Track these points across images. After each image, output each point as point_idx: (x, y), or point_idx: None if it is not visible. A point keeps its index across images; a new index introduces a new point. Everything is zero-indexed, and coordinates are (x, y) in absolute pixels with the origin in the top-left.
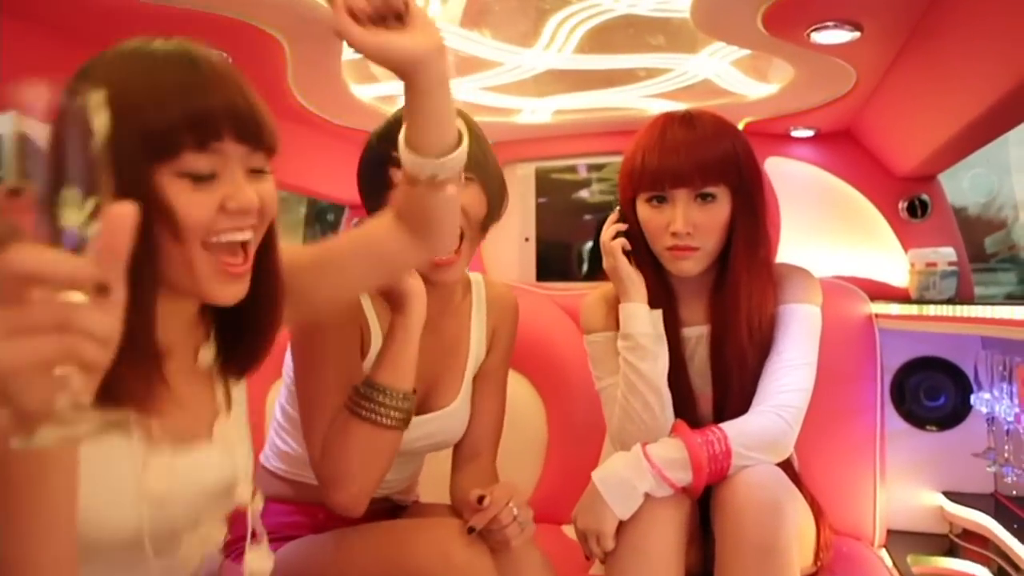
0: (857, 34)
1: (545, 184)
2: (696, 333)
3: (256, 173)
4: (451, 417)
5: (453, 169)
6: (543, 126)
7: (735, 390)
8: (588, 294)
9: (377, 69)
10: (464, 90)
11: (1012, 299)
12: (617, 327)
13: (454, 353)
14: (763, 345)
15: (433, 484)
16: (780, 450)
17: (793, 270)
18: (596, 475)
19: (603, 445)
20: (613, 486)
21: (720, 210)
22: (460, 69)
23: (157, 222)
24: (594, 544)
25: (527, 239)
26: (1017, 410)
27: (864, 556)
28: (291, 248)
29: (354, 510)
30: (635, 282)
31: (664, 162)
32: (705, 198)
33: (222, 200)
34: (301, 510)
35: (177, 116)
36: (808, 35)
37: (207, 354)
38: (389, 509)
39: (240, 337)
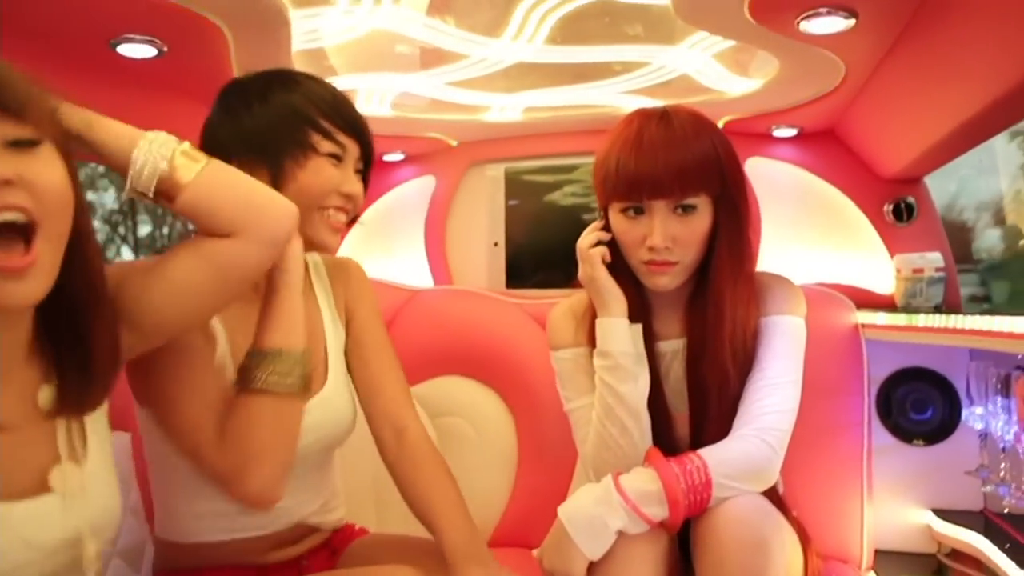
0: (851, 22)
1: (515, 186)
2: (671, 348)
3: (17, 146)
4: (328, 403)
5: None
6: (513, 124)
7: (714, 410)
8: (554, 306)
9: (336, 60)
10: (429, 85)
11: (975, 300)
12: (587, 342)
13: (309, 336)
14: (745, 362)
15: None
16: (765, 478)
17: (775, 279)
18: (563, 511)
19: (576, 464)
20: (582, 524)
21: (701, 222)
22: (424, 62)
23: None
24: None
25: (496, 244)
26: (1016, 428)
27: None
28: (123, 264)
29: (270, 495)
30: (615, 295)
31: (641, 169)
32: (685, 210)
33: None
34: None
35: None
36: (798, 23)
37: (46, 394)
38: (324, 544)
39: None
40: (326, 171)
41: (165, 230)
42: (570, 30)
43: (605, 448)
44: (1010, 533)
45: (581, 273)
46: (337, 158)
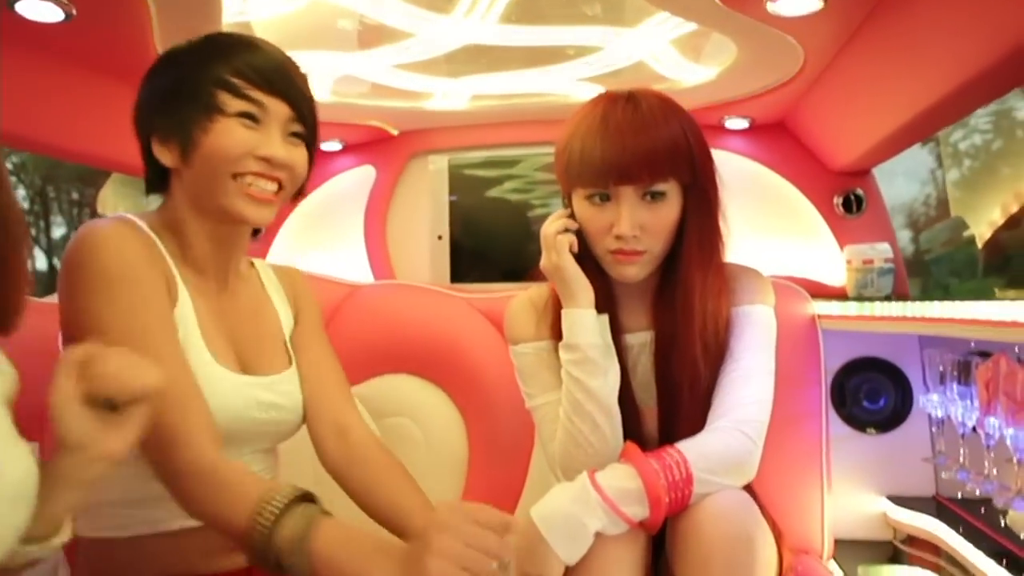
0: (820, 5)
1: (456, 180)
2: (639, 340)
3: None
4: (285, 387)
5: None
6: (458, 113)
7: (685, 404)
8: (513, 298)
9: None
10: (371, 69)
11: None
12: (549, 335)
13: (261, 318)
14: (717, 354)
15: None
16: (746, 471)
17: (743, 270)
18: (536, 513)
19: (530, 465)
20: (558, 526)
21: (670, 209)
22: (365, 40)
23: None
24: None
25: (440, 237)
26: (978, 414)
27: (818, 573)
28: None
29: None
30: (582, 284)
31: (607, 154)
32: (654, 197)
33: None
34: None
35: None
36: (766, 3)
37: None
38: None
39: None
40: (236, 133)
41: None
42: (526, 8)
43: (575, 446)
44: (963, 516)
45: (545, 261)
46: (251, 118)
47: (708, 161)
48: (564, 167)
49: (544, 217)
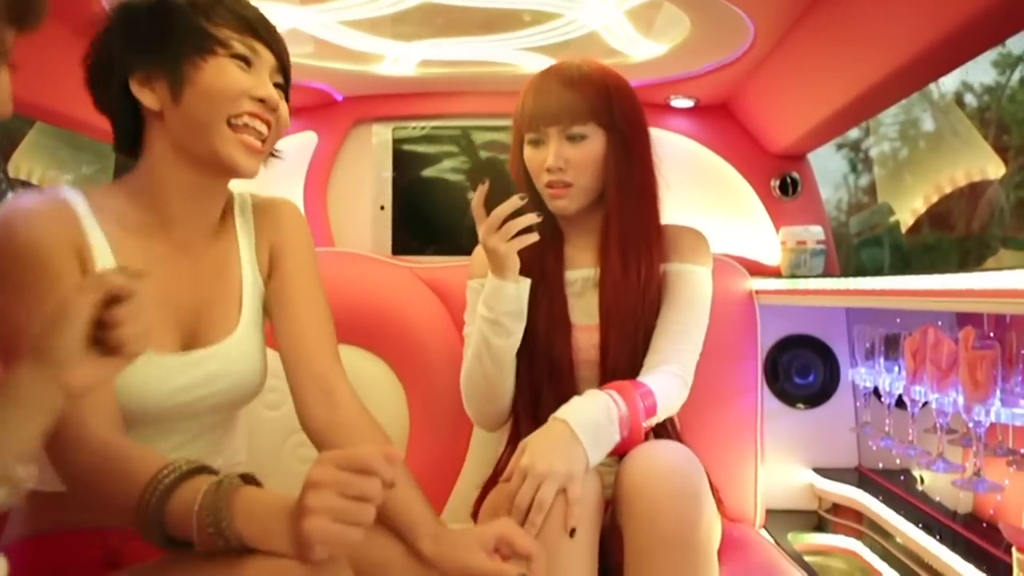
0: None
1: (394, 156)
2: (582, 275)
3: None
4: (231, 353)
5: None
6: (405, 79)
7: (624, 330)
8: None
9: None
10: (318, 23)
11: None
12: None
13: (221, 279)
14: (649, 290)
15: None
16: (674, 413)
17: (684, 230)
18: (570, 417)
19: (471, 437)
20: (590, 430)
21: (591, 147)
22: None
23: None
24: (550, 490)
25: (382, 207)
26: (904, 382)
27: (751, 539)
28: None
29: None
30: (511, 263)
31: (538, 102)
32: (576, 138)
33: None
34: (77, 541)
35: None
36: None
37: None
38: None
39: None
40: (232, 71)
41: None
42: None
43: (469, 382)
44: (883, 485)
45: (484, 238)
46: (245, 60)
47: (632, 113)
48: (516, 123)
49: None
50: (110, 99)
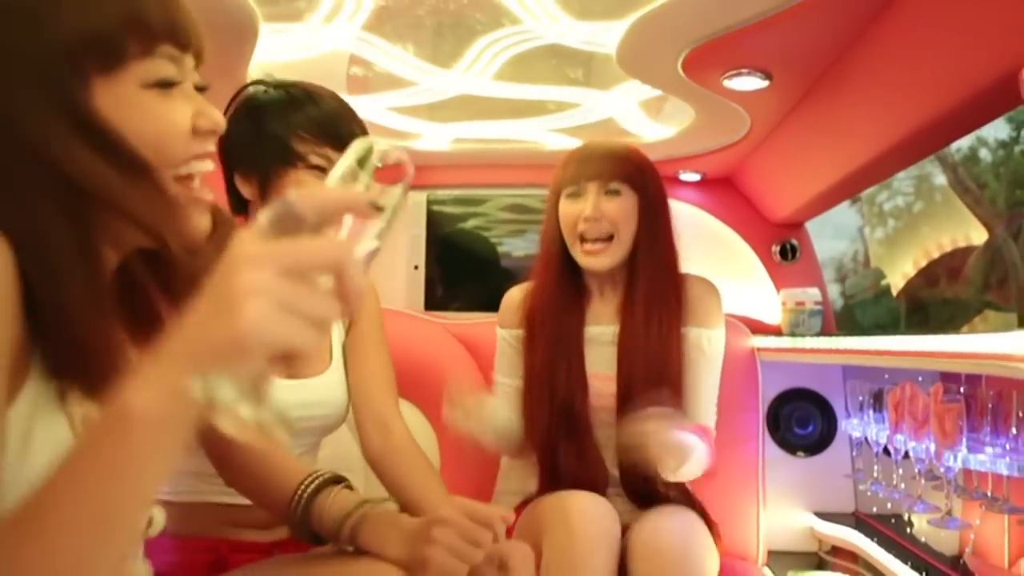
0: (766, 83)
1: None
2: (602, 331)
3: None
4: (329, 385)
5: None
6: (439, 153)
7: (643, 382)
8: (513, 288)
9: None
10: (368, 109)
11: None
12: (519, 325)
13: None
14: (669, 344)
15: None
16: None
17: (700, 286)
18: (683, 436)
19: (498, 478)
20: (696, 446)
21: (626, 203)
22: (371, 85)
23: None
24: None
25: (416, 267)
26: (888, 432)
27: (752, 574)
28: None
29: None
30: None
31: (580, 162)
32: (613, 193)
33: None
34: (192, 546)
35: None
36: (722, 81)
37: None
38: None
39: None
40: (307, 183)
41: None
42: (519, 68)
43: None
44: (878, 528)
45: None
46: (322, 171)
47: (658, 186)
48: (555, 183)
49: (506, 254)
50: (225, 177)
